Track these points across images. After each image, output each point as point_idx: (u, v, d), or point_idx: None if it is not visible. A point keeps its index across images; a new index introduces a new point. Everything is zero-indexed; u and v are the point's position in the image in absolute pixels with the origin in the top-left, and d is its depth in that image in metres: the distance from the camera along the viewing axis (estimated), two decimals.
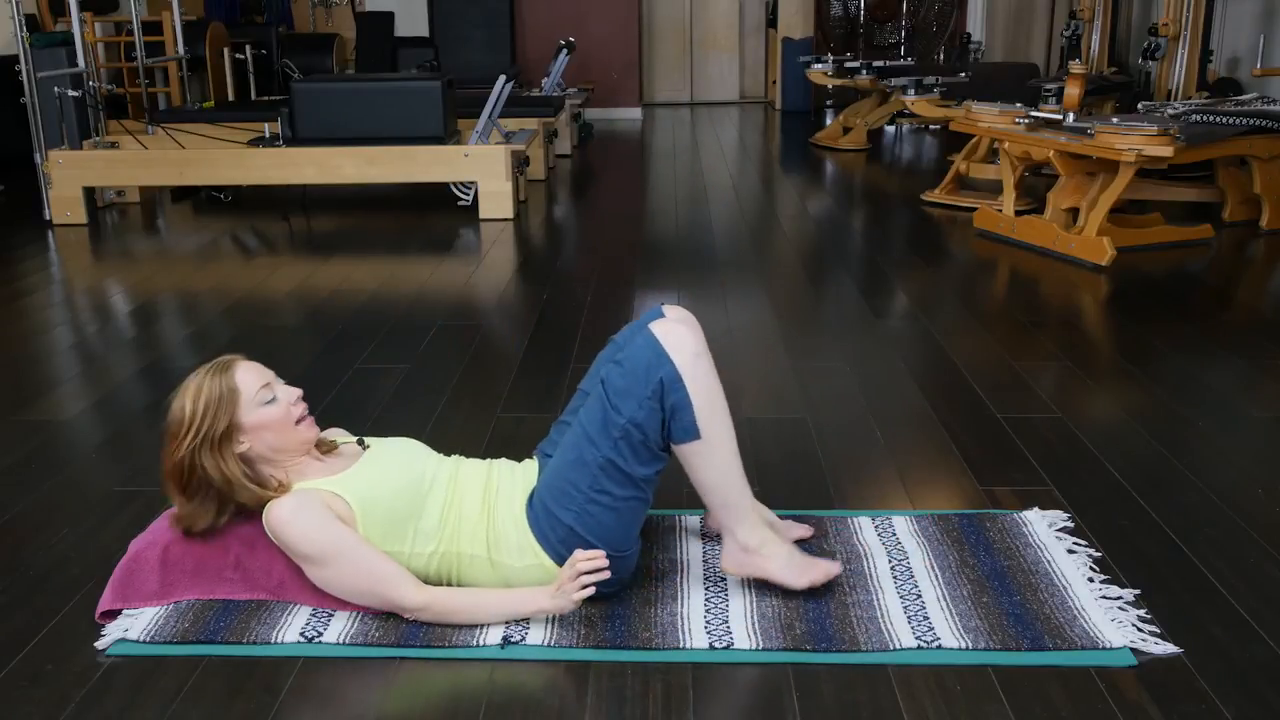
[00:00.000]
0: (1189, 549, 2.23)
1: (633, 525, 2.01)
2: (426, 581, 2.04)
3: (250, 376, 2.02)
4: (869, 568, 2.17)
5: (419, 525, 2.01)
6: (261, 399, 2.00)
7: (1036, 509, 2.40)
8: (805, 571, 2.05)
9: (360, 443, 2.16)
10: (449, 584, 2.06)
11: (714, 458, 1.99)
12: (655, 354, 1.94)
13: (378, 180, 5.84)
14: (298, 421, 2.03)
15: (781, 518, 2.29)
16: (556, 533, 1.97)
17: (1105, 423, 2.92)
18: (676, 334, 1.97)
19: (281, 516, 1.95)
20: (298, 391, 2.08)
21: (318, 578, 1.98)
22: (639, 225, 5.66)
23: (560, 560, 1.98)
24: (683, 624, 1.97)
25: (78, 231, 5.63)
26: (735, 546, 2.06)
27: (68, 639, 1.98)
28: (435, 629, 1.96)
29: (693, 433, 1.96)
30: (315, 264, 4.87)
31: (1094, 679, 1.81)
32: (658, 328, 1.98)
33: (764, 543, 2.06)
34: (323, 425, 2.95)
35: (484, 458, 2.30)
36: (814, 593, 2.06)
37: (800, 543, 2.23)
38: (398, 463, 2.07)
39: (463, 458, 2.17)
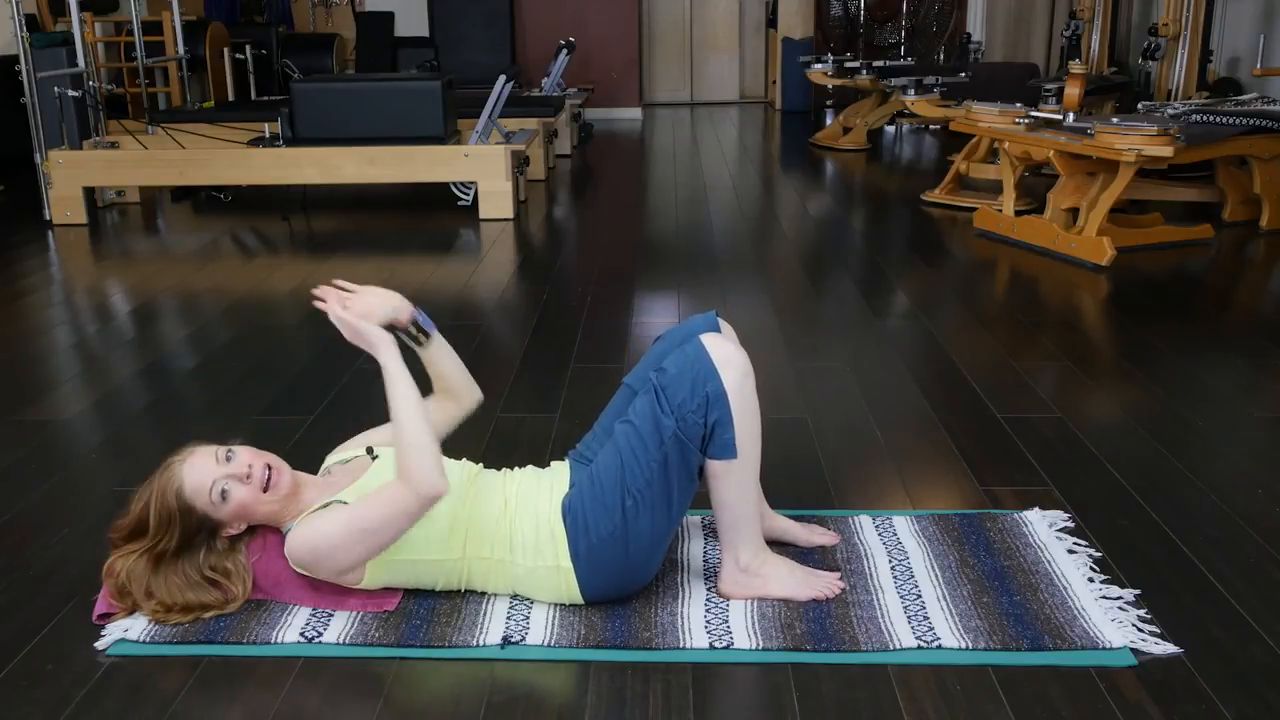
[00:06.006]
0: (1189, 549, 2.23)
1: (667, 534, 2.01)
2: (438, 586, 2.04)
3: (196, 481, 1.95)
4: (869, 568, 2.17)
5: (429, 532, 1.99)
6: (217, 499, 1.95)
7: (1037, 509, 2.40)
8: (807, 586, 2.05)
9: (369, 452, 2.15)
10: (460, 589, 2.05)
11: (741, 477, 2.00)
12: (705, 367, 1.94)
13: (378, 180, 5.84)
14: (267, 488, 1.97)
15: (798, 518, 2.30)
16: (595, 534, 1.96)
17: (1105, 423, 2.92)
18: (726, 350, 1.97)
19: (297, 545, 1.96)
20: (245, 459, 1.98)
21: (358, 554, 1.94)
22: (639, 225, 5.66)
23: (588, 562, 1.97)
24: (683, 624, 1.97)
25: (78, 231, 5.63)
26: (734, 567, 2.06)
27: (68, 639, 1.97)
28: (435, 629, 1.96)
29: (730, 451, 1.96)
30: (315, 264, 4.87)
31: (1094, 679, 1.81)
32: (708, 341, 1.98)
33: (764, 563, 2.06)
34: (323, 428, 2.97)
35: (484, 458, 2.31)
36: None
37: (800, 548, 2.24)
38: None
39: (479, 466, 2.16)
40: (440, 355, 2.23)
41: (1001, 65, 9.03)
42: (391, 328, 2.08)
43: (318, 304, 2.02)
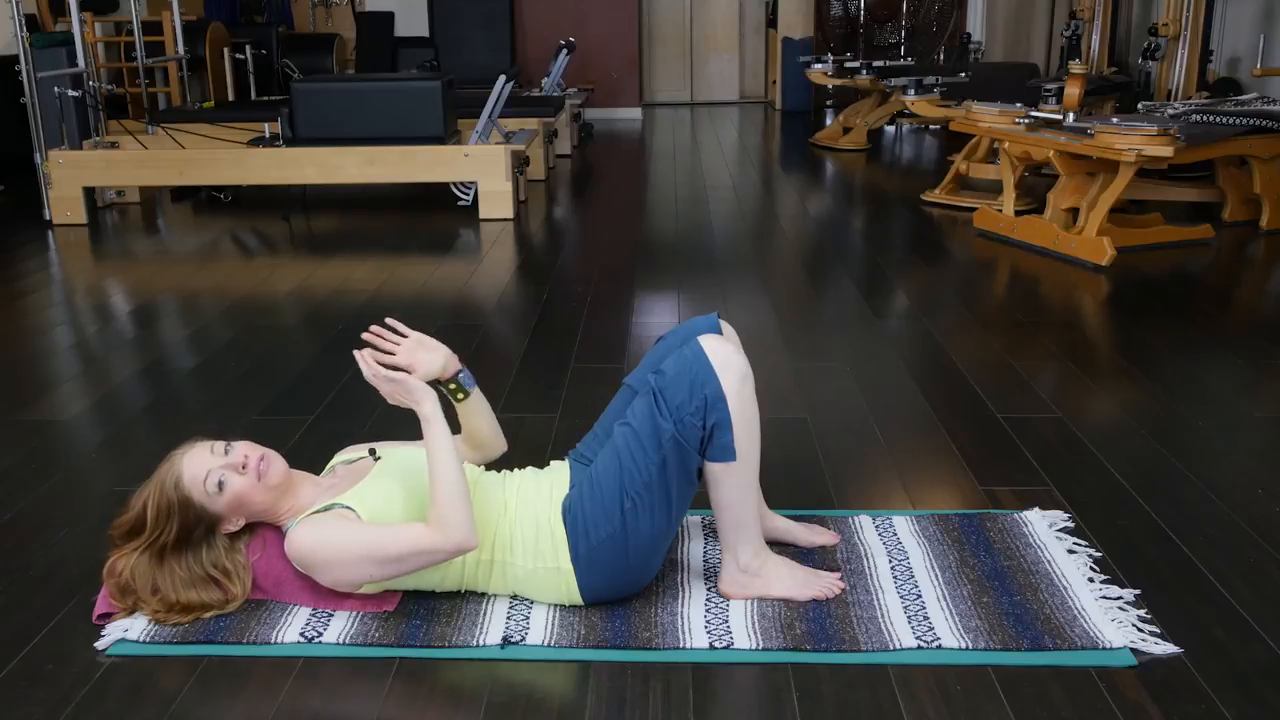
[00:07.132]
0: (1189, 549, 2.23)
1: (666, 536, 2.01)
2: (438, 588, 2.04)
3: (193, 471, 1.96)
4: (869, 568, 2.17)
5: None
6: (212, 489, 1.95)
7: (1036, 509, 2.40)
8: (807, 586, 2.05)
9: (372, 453, 2.15)
10: (460, 590, 2.05)
11: (740, 479, 1.99)
12: (703, 369, 1.94)
13: (378, 180, 5.84)
14: (260, 477, 1.99)
15: (798, 518, 2.30)
16: (595, 536, 1.96)
17: (1105, 423, 2.92)
18: (724, 353, 1.96)
19: (298, 543, 1.95)
20: (242, 451, 2.00)
21: (364, 575, 1.95)
22: (639, 225, 5.66)
23: (588, 564, 1.97)
24: (683, 624, 1.97)
25: (78, 231, 5.63)
26: (735, 568, 2.05)
27: (68, 639, 1.98)
28: (435, 629, 1.96)
29: (729, 454, 1.96)
30: (315, 264, 4.87)
31: (1094, 679, 1.81)
32: (707, 343, 1.97)
33: (764, 563, 2.06)
34: (323, 428, 2.97)
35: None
36: None
37: (800, 548, 2.24)
38: (408, 473, 2.05)
39: (480, 469, 2.16)
40: (476, 410, 2.25)
41: (1001, 65, 9.03)
42: (435, 382, 2.10)
43: (358, 355, 2.02)
